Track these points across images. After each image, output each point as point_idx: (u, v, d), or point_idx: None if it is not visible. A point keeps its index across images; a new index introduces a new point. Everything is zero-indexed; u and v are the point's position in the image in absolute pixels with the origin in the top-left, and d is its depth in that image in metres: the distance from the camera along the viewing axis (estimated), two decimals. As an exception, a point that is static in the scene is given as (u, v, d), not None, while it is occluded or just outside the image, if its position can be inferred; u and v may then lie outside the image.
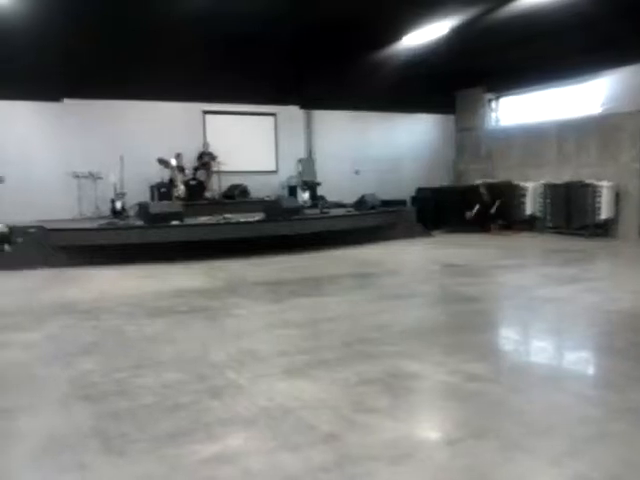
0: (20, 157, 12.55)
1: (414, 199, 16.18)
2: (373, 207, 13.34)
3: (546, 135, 14.93)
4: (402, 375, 4.32)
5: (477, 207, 13.80)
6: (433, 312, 6.65)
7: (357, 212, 13.25)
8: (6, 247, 11.55)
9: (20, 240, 11.10)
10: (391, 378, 4.23)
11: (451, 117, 18.04)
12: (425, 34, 13.00)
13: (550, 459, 3.00)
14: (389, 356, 4.75)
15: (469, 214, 13.98)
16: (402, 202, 15.60)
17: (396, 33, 12.90)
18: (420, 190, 16.19)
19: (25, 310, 7.07)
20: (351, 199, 13.97)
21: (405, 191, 16.16)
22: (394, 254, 11.63)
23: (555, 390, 4.01)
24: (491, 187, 14.55)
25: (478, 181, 15.94)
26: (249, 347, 5.14)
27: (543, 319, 6.26)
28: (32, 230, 10.92)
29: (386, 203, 14.15)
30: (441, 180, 17.02)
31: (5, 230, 11.95)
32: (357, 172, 16.14)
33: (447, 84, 16.48)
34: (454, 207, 14.81)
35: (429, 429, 3.59)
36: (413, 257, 11.25)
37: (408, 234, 13.23)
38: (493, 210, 13.93)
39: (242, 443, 3.26)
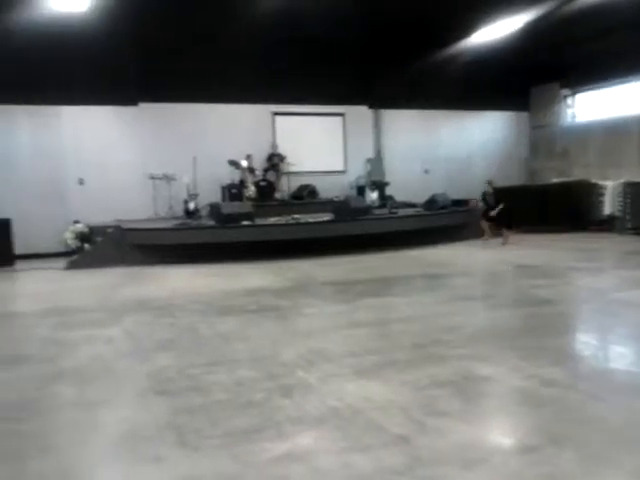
0: (99, 160, 13.09)
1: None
2: (443, 207, 13.14)
3: (626, 131, 14.27)
4: (474, 378, 4.23)
5: (500, 206, 12.22)
6: (506, 314, 6.48)
7: (427, 212, 13.09)
8: (86, 246, 12.11)
9: (99, 239, 11.61)
10: (463, 381, 4.15)
11: (524, 114, 17.55)
12: (497, 29, 12.70)
13: (635, 473, 2.86)
14: (461, 359, 4.66)
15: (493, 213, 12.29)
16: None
17: (467, 30, 12.68)
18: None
19: (105, 306, 7.38)
20: (420, 199, 13.81)
21: (476, 190, 15.79)
22: (465, 255, 11.42)
23: (637, 398, 3.82)
24: (499, 190, 12.81)
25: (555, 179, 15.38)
26: (319, 347, 5.16)
27: (622, 323, 5.99)
28: (110, 230, 11.39)
29: (456, 203, 13.91)
30: (514, 179, 16.57)
31: (85, 230, 12.54)
32: (427, 171, 15.95)
33: (520, 80, 16.05)
34: (528, 207, 14.38)
35: (503, 435, 3.49)
36: (484, 258, 11.00)
37: (479, 234, 12.95)
38: (494, 213, 12.24)
39: (312, 442, 3.28)
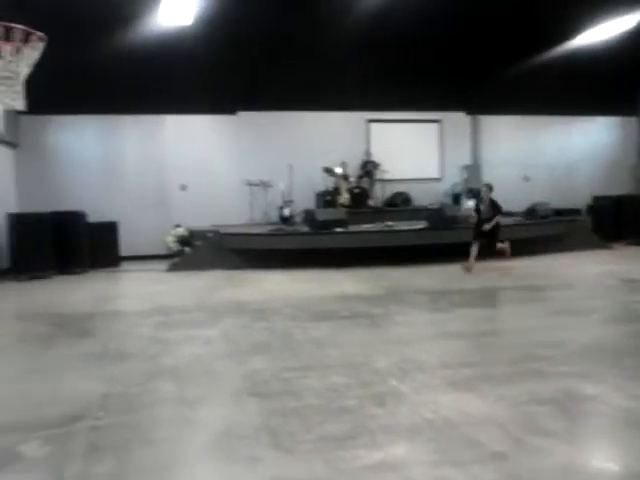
0: (199, 167, 13.61)
1: (590, 208, 15.06)
2: (544, 216, 12.63)
3: None
4: (577, 397, 4.01)
5: (495, 220, 10.12)
6: (611, 330, 6.12)
7: (527, 221, 12.63)
8: (187, 249, 12.61)
9: (199, 243, 12.07)
10: (565, 399, 3.95)
11: (632, 119, 16.58)
12: (604, 31, 12.08)
13: None
14: (562, 376, 4.44)
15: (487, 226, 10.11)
16: (576, 211, 14.61)
17: (571, 31, 12.14)
18: (597, 198, 15.04)
19: (203, 308, 7.64)
20: (520, 207, 13.35)
21: (580, 199, 15.12)
22: (567, 266, 10.91)
23: None
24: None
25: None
26: (412, 356, 5.09)
27: None
28: (209, 234, 11.81)
29: (559, 212, 13.34)
30: (621, 187, 15.68)
31: (186, 234, 13.08)
32: (526, 179, 15.41)
33: (628, 84, 15.16)
34: (637, 217, 13.56)
35: (608, 459, 3.29)
36: (588, 270, 10.46)
37: (583, 246, 12.35)
38: (488, 227, 10.07)
39: (405, 453, 3.23)
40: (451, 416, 3.69)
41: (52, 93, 10.15)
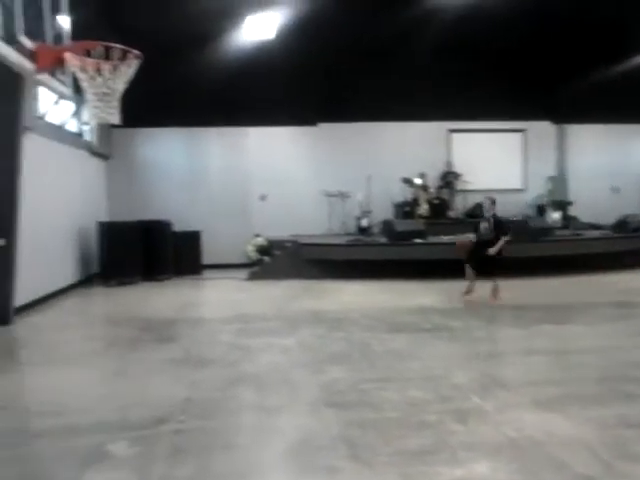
0: (279, 177, 13.81)
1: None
2: (636, 229, 11.99)
3: None
4: (674, 422, 3.77)
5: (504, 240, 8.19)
6: None
7: (616, 235, 12.03)
8: (265, 259, 12.82)
9: (278, 253, 12.24)
10: (661, 424, 3.72)
11: None
12: None
13: None
14: (657, 398, 4.19)
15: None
16: (670, 224, 13.77)
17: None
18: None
19: (281, 316, 7.73)
20: (608, 220, 12.74)
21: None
22: (660, 283, 10.31)
23: None
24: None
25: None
26: (493, 372, 4.95)
27: None
28: (288, 244, 11.95)
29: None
30: None
31: (265, 243, 13.30)
32: (615, 190, 14.70)
33: None
34: None
35: None
36: (684, 287, 9.84)
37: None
38: (493, 251, 8.09)
39: (487, 471, 3.13)
40: (535, 436, 3.55)
41: (142, 107, 10.59)
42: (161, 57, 9.87)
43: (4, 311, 7.47)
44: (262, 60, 11.76)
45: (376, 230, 12.78)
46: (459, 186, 13.93)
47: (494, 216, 8.38)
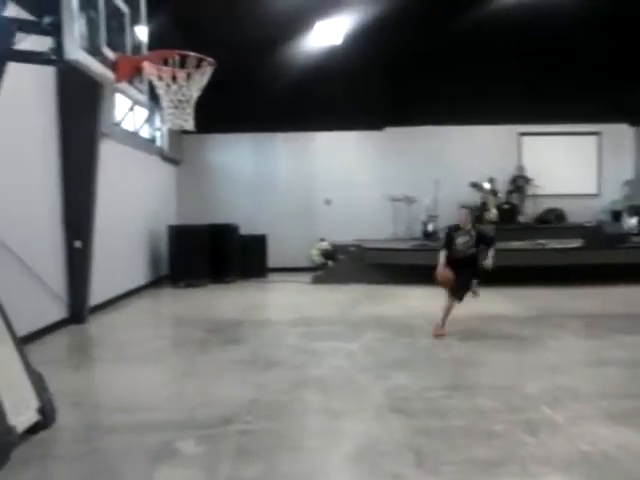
0: (345, 182, 13.83)
1: None
2: None
3: None
4: None
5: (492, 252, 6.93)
6: None
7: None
8: (330, 263, 12.85)
9: (342, 257, 12.25)
10: None
11: None
12: None
13: None
14: None
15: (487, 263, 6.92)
16: None
17: None
18: None
19: (345, 320, 7.73)
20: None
21: None
22: None
23: None
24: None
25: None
26: (565, 383, 4.77)
27: None
28: (352, 248, 11.94)
29: None
30: None
31: (330, 247, 13.34)
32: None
33: None
34: None
35: None
36: None
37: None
38: (489, 264, 6.89)
39: (559, 486, 3.02)
40: (610, 450, 3.41)
41: (212, 113, 10.84)
42: (231, 64, 10.08)
43: (80, 310, 7.79)
44: (329, 65, 11.83)
45: (442, 235, 12.59)
46: (530, 191, 13.56)
47: (475, 228, 7.10)
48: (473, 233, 6.89)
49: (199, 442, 3.66)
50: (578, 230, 11.85)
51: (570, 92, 12.75)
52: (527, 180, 13.57)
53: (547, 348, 6.09)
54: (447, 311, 6.73)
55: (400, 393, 4.57)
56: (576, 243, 11.06)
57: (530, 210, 13.61)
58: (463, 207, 7.51)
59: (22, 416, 3.58)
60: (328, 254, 13.29)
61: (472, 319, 7.58)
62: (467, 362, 5.50)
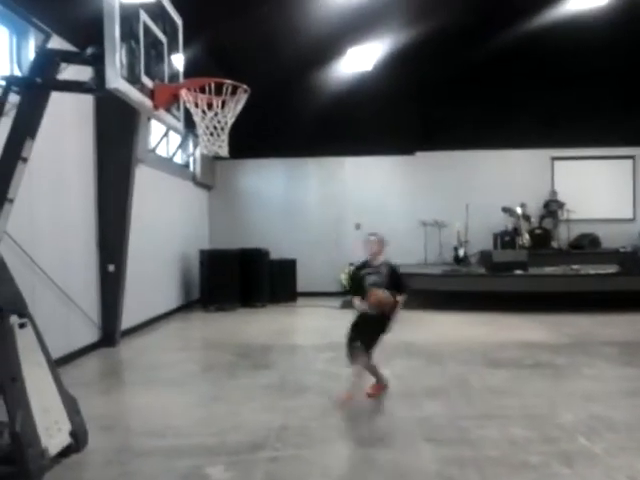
0: (374, 206, 13.82)
1: None
2: None
3: None
4: None
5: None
6: None
7: None
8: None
9: (372, 282, 12.19)
10: None
11: None
12: None
13: None
14: None
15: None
16: None
17: None
18: None
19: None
20: None
21: None
22: None
23: None
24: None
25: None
26: (602, 413, 4.64)
27: None
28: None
29: None
30: None
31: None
32: None
33: None
34: None
35: None
36: None
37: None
38: (401, 302, 5.40)
39: (598, 521, 2.93)
40: (652, 485, 3.29)
41: (244, 138, 10.98)
42: (263, 89, 10.25)
43: (112, 333, 7.89)
44: (360, 90, 11.95)
45: (474, 260, 12.48)
46: (563, 216, 13.38)
47: (388, 263, 5.49)
48: (384, 270, 5.34)
49: (228, 468, 3.65)
50: (613, 256, 11.63)
51: (604, 115, 12.63)
52: (560, 205, 13.40)
53: (582, 376, 5.95)
54: (360, 367, 5.12)
55: (432, 421, 4.50)
56: (611, 269, 10.85)
57: (563, 235, 13.41)
58: (371, 235, 5.70)
59: (55, 439, 3.61)
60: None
61: (505, 346, 7.46)
62: (500, 390, 5.40)
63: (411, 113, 12.84)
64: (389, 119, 12.65)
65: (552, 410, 4.73)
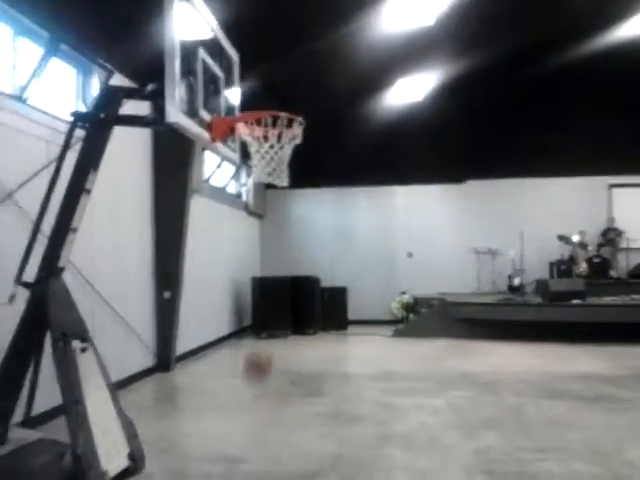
0: (425, 235, 13.74)
1: None
2: None
3: None
4: None
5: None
6: None
7: None
8: (411, 316, 12.68)
9: (424, 311, 12.07)
10: None
11: None
12: None
13: None
14: None
15: None
16: None
17: None
18: None
19: (428, 376, 7.54)
20: None
21: None
22: None
23: None
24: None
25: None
26: (672, 450, 4.43)
27: None
28: (434, 302, 11.75)
29: None
30: None
31: (411, 301, 13.18)
32: None
33: None
34: None
35: None
36: None
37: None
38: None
39: None
40: None
41: (295, 168, 11.16)
42: (313, 121, 10.42)
43: (167, 359, 8.03)
44: (410, 120, 12.01)
45: (529, 289, 12.19)
46: (622, 244, 12.98)
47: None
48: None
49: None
50: (676, 285, 11.19)
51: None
52: (619, 233, 13.01)
53: (648, 411, 5.70)
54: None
55: (490, 454, 4.38)
56: (675, 299, 10.43)
57: (622, 264, 13.00)
58: None
59: (114, 462, 3.68)
60: (409, 307, 13.13)
61: (563, 377, 7.23)
62: (560, 423, 5.22)
63: (462, 141, 12.78)
64: (440, 148, 12.63)
65: (618, 445, 4.54)
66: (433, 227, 13.78)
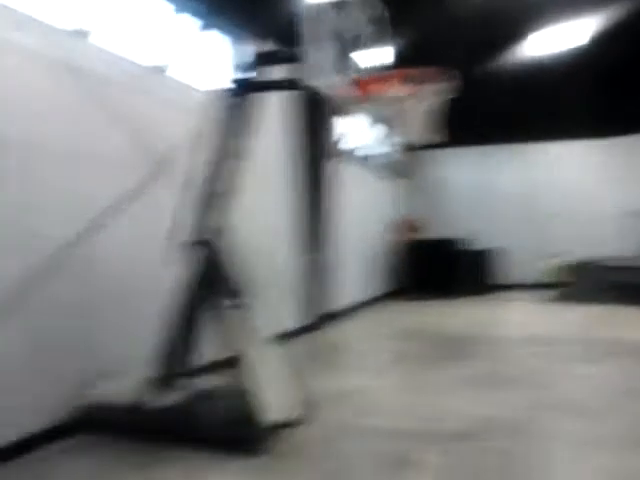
0: (574, 194, 12.92)
1: None
2: None
3: None
4: None
5: None
6: None
7: None
8: (565, 281, 11.92)
9: (578, 275, 11.31)
10: None
11: None
12: None
13: None
14: None
15: None
16: None
17: None
18: None
19: (582, 342, 7.17)
20: None
21: None
22: None
23: None
24: None
25: None
26: None
27: None
28: (589, 266, 10.99)
29: None
30: None
31: (563, 264, 12.35)
32: None
33: None
34: None
35: None
36: None
37: None
38: None
39: None
40: None
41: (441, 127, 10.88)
42: (460, 78, 10.08)
43: (317, 319, 8.31)
44: (556, 74, 11.21)
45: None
46: None
47: None
48: None
49: (436, 455, 3.65)
50: None
51: None
52: None
53: None
54: None
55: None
56: None
57: None
58: None
59: (279, 410, 3.92)
60: (562, 271, 12.42)
61: None
62: None
63: (602, 96, 11.68)
64: (586, 103, 11.64)
65: None
66: (580, 186, 12.88)
